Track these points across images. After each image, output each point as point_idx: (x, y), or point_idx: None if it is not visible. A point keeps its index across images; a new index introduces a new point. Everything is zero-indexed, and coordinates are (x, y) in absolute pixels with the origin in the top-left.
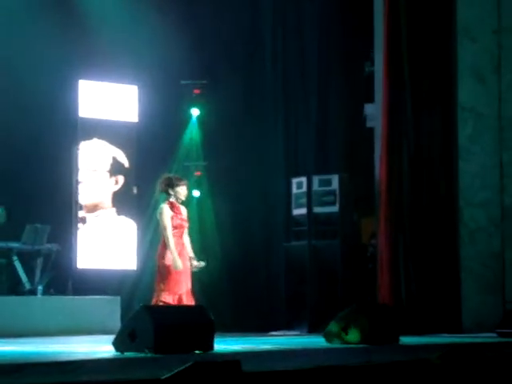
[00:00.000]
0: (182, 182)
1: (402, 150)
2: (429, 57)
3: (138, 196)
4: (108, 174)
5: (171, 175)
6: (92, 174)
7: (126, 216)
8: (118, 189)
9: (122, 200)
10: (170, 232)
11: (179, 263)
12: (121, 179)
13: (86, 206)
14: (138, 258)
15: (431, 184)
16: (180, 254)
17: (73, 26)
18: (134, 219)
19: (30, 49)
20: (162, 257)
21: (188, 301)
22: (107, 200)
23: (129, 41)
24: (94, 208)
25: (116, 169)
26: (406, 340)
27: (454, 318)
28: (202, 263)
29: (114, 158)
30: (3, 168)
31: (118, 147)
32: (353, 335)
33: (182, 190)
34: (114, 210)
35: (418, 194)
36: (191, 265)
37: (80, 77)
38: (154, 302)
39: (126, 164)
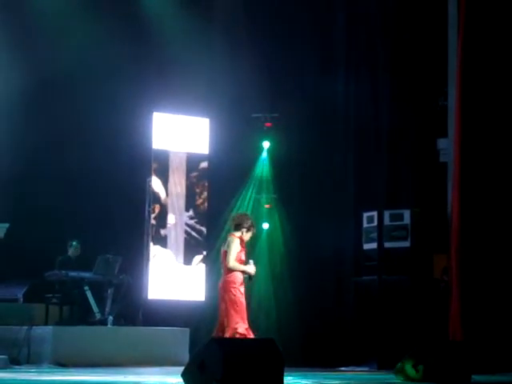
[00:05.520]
0: (254, 230)
1: (475, 185)
2: (503, 92)
3: (175, 225)
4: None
5: (251, 219)
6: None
7: (161, 246)
8: (154, 218)
9: (157, 229)
10: (232, 262)
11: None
12: (157, 208)
13: None
14: (206, 290)
15: (505, 220)
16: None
17: (149, 61)
18: (170, 249)
19: (109, 83)
20: (229, 290)
21: (249, 333)
22: None
23: (201, 75)
24: None
25: (152, 198)
26: (478, 378)
27: None
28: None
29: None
30: (77, 200)
31: (188, 179)
32: (424, 373)
33: (249, 235)
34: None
35: (491, 230)
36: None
37: (155, 109)
38: (229, 334)
39: (163, 194)
